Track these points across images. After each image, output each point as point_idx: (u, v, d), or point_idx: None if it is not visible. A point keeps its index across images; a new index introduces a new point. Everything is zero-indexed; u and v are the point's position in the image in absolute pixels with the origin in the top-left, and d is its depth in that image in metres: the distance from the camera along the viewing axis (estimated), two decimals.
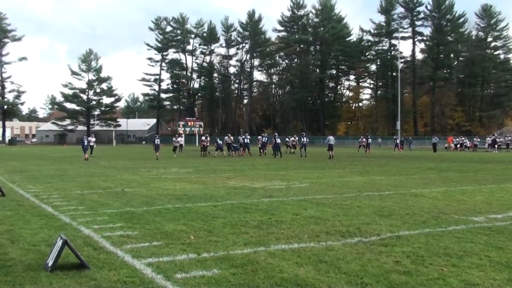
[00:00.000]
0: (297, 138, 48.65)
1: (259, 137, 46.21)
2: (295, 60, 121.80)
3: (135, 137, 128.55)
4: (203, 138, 41.11)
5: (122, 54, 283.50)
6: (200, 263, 6.10)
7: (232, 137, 42.01)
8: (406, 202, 11.72)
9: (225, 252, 6.61)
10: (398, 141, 53.76)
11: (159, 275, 5.61)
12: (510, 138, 58.66)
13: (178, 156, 36.75)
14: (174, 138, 39.89)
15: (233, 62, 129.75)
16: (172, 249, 6.83)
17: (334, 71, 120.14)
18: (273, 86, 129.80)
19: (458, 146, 60.35)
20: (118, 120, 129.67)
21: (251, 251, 6.71)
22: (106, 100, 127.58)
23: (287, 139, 50.04)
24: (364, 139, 50.28)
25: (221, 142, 39.82)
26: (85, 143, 34.99)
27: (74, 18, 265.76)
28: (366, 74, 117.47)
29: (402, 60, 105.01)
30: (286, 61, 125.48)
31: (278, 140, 38.04)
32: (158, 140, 36.83)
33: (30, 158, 38.32)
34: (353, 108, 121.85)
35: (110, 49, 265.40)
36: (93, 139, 37.37)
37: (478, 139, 61.74)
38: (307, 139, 40.43)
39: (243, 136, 43.44)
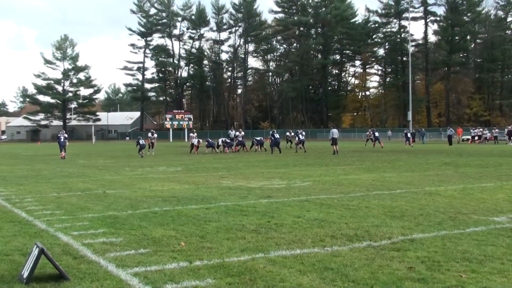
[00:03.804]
0: (292, 133, 48.99)
1: (287, 133, 49.67)
2: (294, 44, 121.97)
3: (117, 133, 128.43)
4: (192, 134, 41.51)
5: (98, 40, 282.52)
6: (192, 272, 6.11)
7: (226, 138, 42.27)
8: (419, 201, 11.75)
9: (220, 260, 6.62)
10: (409, 134, 54.02)
11: (147, 286, 5.62)
12: None
13: (154, 155, 36.42)
14: (150, 134, 39.86)
15: (225, 47, 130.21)
16: (160, 257, 6.84)
17: (337, 57, 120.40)
18: (270, 74, 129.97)
19: (476, 138, 60.46)
20: (97, 113, 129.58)
21: (248, 258, 6.72)
22: (84, 91, 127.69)
23: (287, 133, 50.68)
24: (371, 132, 50.97)
25: (212, 140, 40.46)
26: (62, 140, 35.03)
27: (41, 1, 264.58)
28: (373, 59, 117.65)
29: (413, 44, 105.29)
30: (284, 46, 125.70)
31: (277, 136, 38.49)
32: (143, 140, 36.91)
33: (0, 157, 38.23)
34: (359, 97, 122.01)
35: (83, 35, 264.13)
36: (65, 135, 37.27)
37: (497, 130, 61.82)
38: (303, 137, 40.80)
39: (237, 131, 43.80)
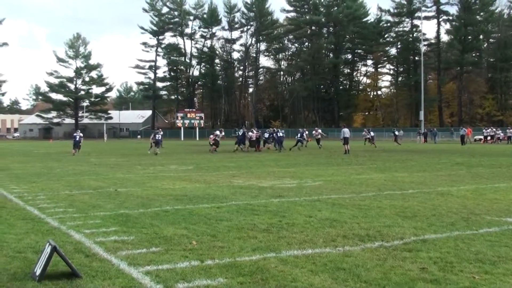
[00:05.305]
0: (313, 131, 48.92)
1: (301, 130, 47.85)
2: (306, 43, 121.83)
3: (129, 131, 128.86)
4: (217, 133, 40.38)
5: (109, 38, 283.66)
6: (204, 271, 6.11)
7: (255, 131, 42.21)
8: (432, 201, 11.69)
9: (231, 259, 6.61)
10: (397, 132, 56.56)
11: (159, 285, 5.63)
12: None
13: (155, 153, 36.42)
14: (152, 135, 39.90)
15: (236, 46, 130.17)
16: (172, 255, 6.85)
17: (349, 56, 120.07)
18: (282, 73, 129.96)
19: (489, 138, 60.13)
20: (109, 112, 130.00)
21: (260, 257, 6.71)
22: (96, 90, 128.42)
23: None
24: (366, 132, 51.82)
25: (241, 135, 41.14)
26: (77, 139, 36.77)
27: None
28: (385, 58, 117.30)
29: (426, 43, 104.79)
30: (296, 45, 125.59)
31: (280, 134, 39.30)
32: (160, 135, 37.60)
33: (13, 154, 38.46)
34: (371, 97, 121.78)
35: (95, 33, 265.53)
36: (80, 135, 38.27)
37: (511, 130, 61.36)
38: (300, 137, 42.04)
39: (245, 129, 43.89)
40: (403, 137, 75.18)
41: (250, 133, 40.93)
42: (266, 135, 40.86)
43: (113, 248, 7.29)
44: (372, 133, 50.59)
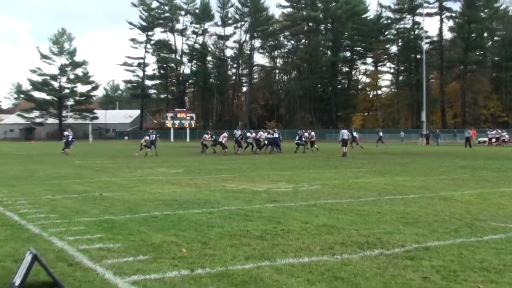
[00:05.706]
0: (306, 134, 48.84)
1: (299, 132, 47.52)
2: (303, 41, 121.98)
3: (116, 132, 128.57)
4: (226, 134, 40.82)
5: (95, 35, 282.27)
6: (194, 280, 6.08)
7: (254, 133, 42.54)
8: (434, 207, 11.70)
9: (223, 268, 6.59)
10: (380, 133, 58.14)
11: None
12: None
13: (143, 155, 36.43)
14: (147, 137, 39.89)
15: (230, 43, 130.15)
16: (161, 264, 6.81)
17: (348, 54, 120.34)
18: (277, 71, 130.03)
19: (494, 140, 60.30)
20: (95, 111, 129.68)
21: (253, 266, 6.68)
22: (81, 88, 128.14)
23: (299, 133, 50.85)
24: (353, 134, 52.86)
25: (240, 136, 41.46)
26: (70, 138, 38.46)
27: None
28: (385, 56, 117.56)
29: (428, 41, 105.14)
30: (292, 42, 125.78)
31: (276, 135, 39.50)
32: (154, 135, 38.61)
33: None
34: (370, 96, 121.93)
35: (80, 28, 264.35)
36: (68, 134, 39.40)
37: None
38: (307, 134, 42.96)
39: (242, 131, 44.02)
40: (404, 139, 75.61)
41: (261, 133, 41.18)
42: (276, 135, 41.17)
43: (98, 256, 7.24)
44: (355, 134, 51.71)
